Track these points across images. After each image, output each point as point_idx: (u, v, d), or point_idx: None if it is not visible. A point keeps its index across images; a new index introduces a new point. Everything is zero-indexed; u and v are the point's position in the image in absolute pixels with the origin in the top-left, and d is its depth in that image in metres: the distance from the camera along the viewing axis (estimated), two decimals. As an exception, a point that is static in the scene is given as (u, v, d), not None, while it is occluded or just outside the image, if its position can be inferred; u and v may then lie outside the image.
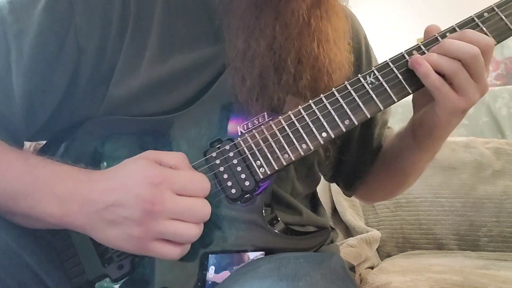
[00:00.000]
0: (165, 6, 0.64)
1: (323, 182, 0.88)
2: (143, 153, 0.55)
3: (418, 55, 0.59)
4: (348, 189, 0.86)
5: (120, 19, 0.61)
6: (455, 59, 0.57)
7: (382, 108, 0.59)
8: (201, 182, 0.54)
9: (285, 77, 0.60)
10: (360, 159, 0.81)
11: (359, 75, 0.60)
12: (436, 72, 0.58)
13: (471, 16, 0.61)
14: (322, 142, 0.58)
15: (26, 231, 0.57)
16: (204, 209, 0.53)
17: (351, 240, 1.17)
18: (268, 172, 0.58)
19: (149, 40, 0.62)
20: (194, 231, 0.53)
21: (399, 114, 1.67)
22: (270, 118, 0.60)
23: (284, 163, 0.58)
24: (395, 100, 0.59)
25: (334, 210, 1.33)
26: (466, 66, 0.57)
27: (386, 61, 0.61)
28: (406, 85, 0.59)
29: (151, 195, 0.51)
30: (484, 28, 0.60)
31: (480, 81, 0.57)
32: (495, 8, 0.61)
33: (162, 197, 0.51)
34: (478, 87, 0.58)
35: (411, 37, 2.92)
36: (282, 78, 0.60)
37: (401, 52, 0.61)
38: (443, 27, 0.62)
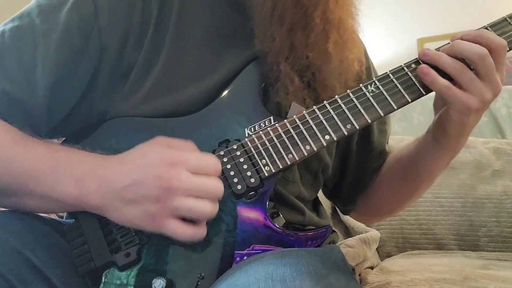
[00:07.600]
0: (182, 5, 0.67)
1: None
2: (155, 138, 0.59)
3: (425, 65, 0.62)
4: (348, 204, 0.88)
5: (141, 20, 0.65)
6: (460, 59, 0.60)
7: (382, 114, 0.62)
8: (213, 162, 0.57)
9: (313, 37, 0.63)
10: (361, 169, 0.83)
11: (361, 84, 0.64)
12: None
13: (484, 25, 0.65)
14: (325, 144, 0.61)
15: (26, 228, 0.58)
16: (218, 186, 0.56)
17: (349, 241, 1.16)
18: (273, 170, 0.60)
19: (166, 39, 0.66)
20: (209, 208, 0.55)
21: (398, 113, 1.67)
22: (276, 122, 0.63)
23: (289, 163, 0.61)
24: (395, 107, 0.63)
25: (334, 211, 1.33)
26: (474, 65, 0.60)
27: (386, 72, 0.65)
28: (405, 94, 0.63)
29: (168, 173, 0.54)
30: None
31: (489, 80, 0.60)
32: (508, 19, 0.65)
33: (178, 175, 0.54)
34: (487, 86, 0.60)
35: (411, 37, 2.92)
36: (310, 37, 0.63)
37: (401, 65, 0.65)
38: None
